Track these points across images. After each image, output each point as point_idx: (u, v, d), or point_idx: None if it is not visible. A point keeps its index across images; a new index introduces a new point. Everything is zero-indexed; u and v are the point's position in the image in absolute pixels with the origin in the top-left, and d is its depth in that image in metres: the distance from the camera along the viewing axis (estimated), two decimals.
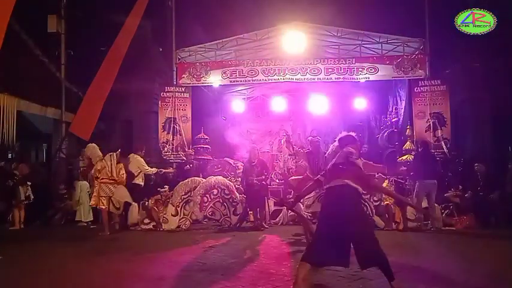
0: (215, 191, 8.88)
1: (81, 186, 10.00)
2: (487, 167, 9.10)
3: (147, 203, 9.00)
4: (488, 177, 8.95)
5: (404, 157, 11.29)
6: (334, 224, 3.84)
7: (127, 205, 8.83)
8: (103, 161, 8.59)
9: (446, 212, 8.85)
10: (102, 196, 8.32)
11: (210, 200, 8.85)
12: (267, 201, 9.19)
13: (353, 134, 4.43)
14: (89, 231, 8.86)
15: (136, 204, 9.09)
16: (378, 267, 3.86)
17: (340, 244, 3.83)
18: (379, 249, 3.80)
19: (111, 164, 8.57)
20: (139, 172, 9.14)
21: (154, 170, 9.27)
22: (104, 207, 8.33)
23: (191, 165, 10.49)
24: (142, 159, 9.21)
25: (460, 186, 9.13)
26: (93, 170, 8.67)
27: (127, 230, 8.72)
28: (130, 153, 9.32)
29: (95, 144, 8.99)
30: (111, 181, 8.44)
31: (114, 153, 8.75)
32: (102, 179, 8.42)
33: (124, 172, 8.65)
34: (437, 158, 10.31)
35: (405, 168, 10.06)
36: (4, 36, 8.29)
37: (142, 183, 9.15)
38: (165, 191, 9.17)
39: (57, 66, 12.07)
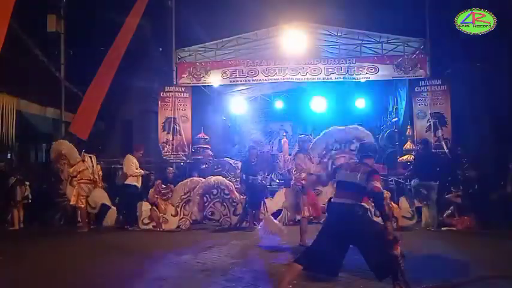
0: (215, 191, 8.86)
1: None
2: (478, 171, 9.01)
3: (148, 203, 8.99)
4: (483, 180, 8.88)
5: (404, 157, 11.28)
6: (338, 239, 3.84)
7: (106, 208, 9.14)
8: (84, 162, 8.94)
9: (447, 212, 8.83)
10: (82, 195, 8.82)
11: (209, 200, 8.83)
12: (265, 201, 9.18)
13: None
14: (88, 231, 8.84)
15: (114, 207, 9.23)
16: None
17: (338, 257, 3.88)
18: (391, 259, 3.75)
19: (93, 166, 9.08)
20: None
21: (139, 172, 8.98)
22: (83, 206, 8.83)
23: (207, 165, 10.39)
24: (135, 160, 9.04)
25: (461, 187, 9.09)
26: (71, 170, 9.01)
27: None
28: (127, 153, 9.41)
29: (70, 144, 9.38)
30: (90, 182, 8.98)
31: (94, 156, 9.24)
32: (82, 179, 8.88)
33: (101, 174, 9.26)
34: (442, 157, 10.23)
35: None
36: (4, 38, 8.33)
37: (138, 184, 9.02)
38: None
39: (57, 66, 12.05)
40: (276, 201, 7.94)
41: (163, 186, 9.13)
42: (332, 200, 4.04)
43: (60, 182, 9.78)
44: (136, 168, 9.00)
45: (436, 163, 9.06)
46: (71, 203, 8.96)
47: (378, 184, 3.86)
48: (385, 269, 3.80)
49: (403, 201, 8.68)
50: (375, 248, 3.78)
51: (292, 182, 7.07)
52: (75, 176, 8.91)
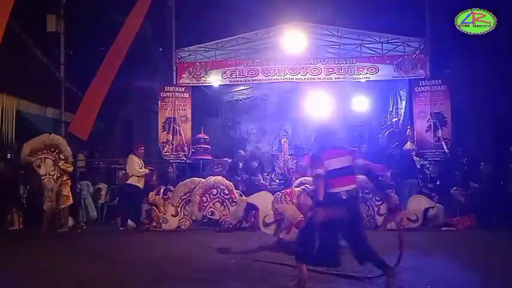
0: (214, 191, 8.84)
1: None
2: (492, 167, 9.07)
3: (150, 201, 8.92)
4: (491, 177, 8.92)
5: None
6: (337, 227, 3.93)
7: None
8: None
9: (448, 212, 8.83)
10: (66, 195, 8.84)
11: (209, 199, 8.81)
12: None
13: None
14: (87, 231, 8.83)
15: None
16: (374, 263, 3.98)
17: (335, 246, 3.98)
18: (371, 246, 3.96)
19: None
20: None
21: (143, 171, 8.84)
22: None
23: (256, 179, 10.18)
24: (137, 159, 8.88)
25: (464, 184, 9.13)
26: (66, 167, 8.96)
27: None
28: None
29: None
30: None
31: None
32: (68, 179, 8.95)
33: None
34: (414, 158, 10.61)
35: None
36: (3, 36, 8.33)
37: (140, 184, 8.89)
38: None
39: (57, 66, 12.03)
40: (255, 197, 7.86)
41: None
42: (334, 190, 3.94)
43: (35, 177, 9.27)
44: (140, 168, 8.81)
45: (412, 163, 9.76)
46: (70, 202, 8.92)
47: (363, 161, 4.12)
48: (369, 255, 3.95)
49: (410, 203, 8.67)
50: (362, 234, 3.98)
51: (279, 195, 6.60)
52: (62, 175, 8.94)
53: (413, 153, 10.99)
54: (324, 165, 3.96)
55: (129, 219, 9.01)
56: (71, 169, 9.05)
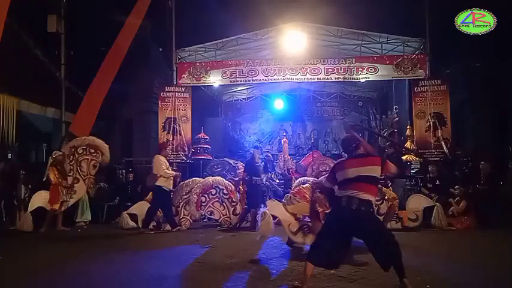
0: (213, 191, 8.85)
1: None
2: (491, 167, 9.09)
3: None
4: (490, 177, 8.94)
5: (403, 157, 11.28)
6: (348, 231, 4.04)
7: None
8: None
9: (448, 212, 8.83)
10: None
11: (208, 199, 8.82)
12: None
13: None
14: (87, 231, 8.85)
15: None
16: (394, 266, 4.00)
17: (344, 250, 4.10)
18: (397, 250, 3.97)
19: None
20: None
21: (171, 173, 8.45)
22: None
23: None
24: (164, 158, 8.50)
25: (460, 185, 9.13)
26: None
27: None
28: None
29: None
30: None
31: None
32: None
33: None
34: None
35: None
36: (3, 36, 8.35)
37: (168, 185, 8.43)
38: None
39: (57, 66, 12.05)
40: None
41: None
42: (344, 194, 4.04)
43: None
44: (167, 169, 8.41)
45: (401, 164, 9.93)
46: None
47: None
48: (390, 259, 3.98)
49: (409, 202, 8.68)
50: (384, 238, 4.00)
51: (288, 196, 6.27)
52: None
53: (414, 153, 11.01)
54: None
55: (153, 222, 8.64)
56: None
